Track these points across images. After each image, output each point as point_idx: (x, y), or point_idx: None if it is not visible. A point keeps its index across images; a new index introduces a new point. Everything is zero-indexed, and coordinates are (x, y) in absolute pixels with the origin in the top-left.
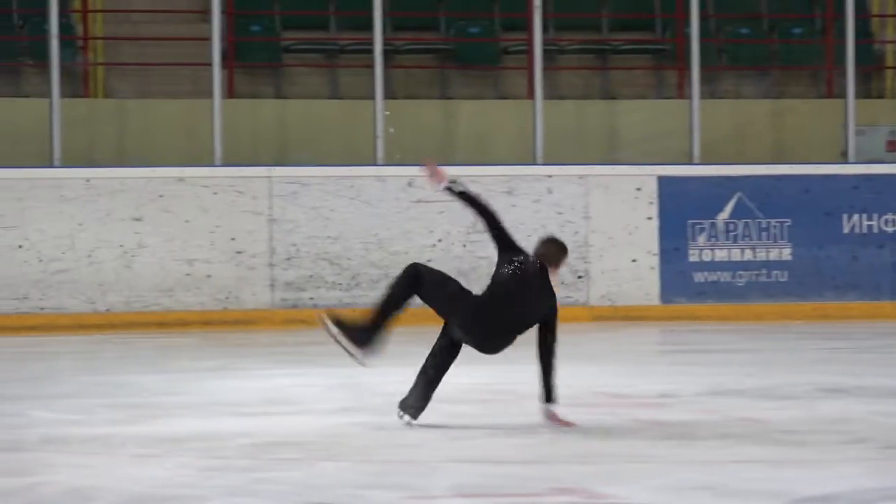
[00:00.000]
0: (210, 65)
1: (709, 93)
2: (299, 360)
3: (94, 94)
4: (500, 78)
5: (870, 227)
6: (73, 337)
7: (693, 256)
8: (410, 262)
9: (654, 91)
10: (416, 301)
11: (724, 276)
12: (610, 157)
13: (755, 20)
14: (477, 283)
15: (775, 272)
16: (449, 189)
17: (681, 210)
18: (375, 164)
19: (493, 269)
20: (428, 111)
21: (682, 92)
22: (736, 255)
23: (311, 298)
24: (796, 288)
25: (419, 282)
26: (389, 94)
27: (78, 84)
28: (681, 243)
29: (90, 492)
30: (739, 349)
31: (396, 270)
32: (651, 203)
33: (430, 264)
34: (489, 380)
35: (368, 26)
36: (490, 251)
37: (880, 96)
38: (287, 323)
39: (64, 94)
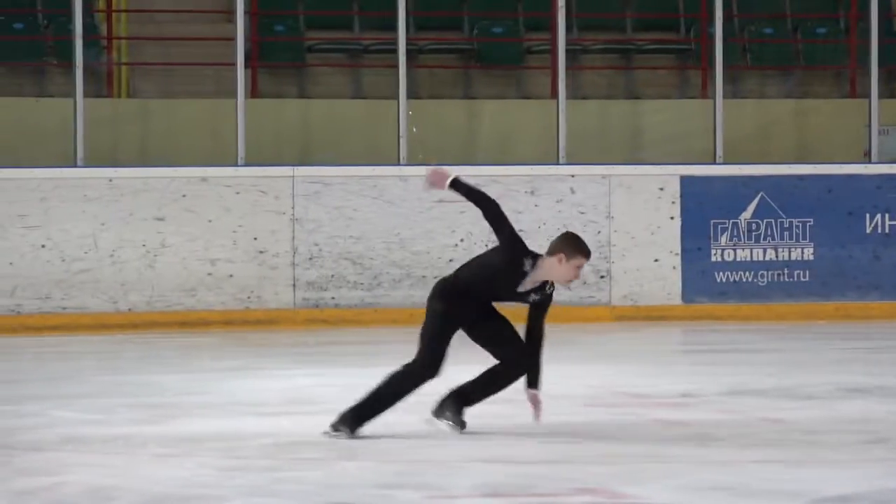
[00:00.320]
0: (234, 65)
1: (732, 93)
2: (321, 360)
3: (118, 94)
4: (524, 78)
5: (893, 226)
6: (95, 337)
7: (715, 256)
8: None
9: (677, 91)
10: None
11: (747, 276)
12: (633, 157)
13: (779, 20)
14: None
15: (797, 272)
16: (454, 187)
17: (703, 210)
18: (398, 164)
19: (493, 256)
20: (451, 111)
21: (705, 92)
22: (758, 254)
23: (333, 298)
24: (818, 288)
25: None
26: (413, 94)
27: (102, 84)
28: (703, 243)
29: (111, 491)
30: (761, 349)
31: (418, 270)
32: (674, 203)
33: (455, 265)
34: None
35: (392, 26)
36: None
37: None
38: (309, 323)
39: (88, 94)
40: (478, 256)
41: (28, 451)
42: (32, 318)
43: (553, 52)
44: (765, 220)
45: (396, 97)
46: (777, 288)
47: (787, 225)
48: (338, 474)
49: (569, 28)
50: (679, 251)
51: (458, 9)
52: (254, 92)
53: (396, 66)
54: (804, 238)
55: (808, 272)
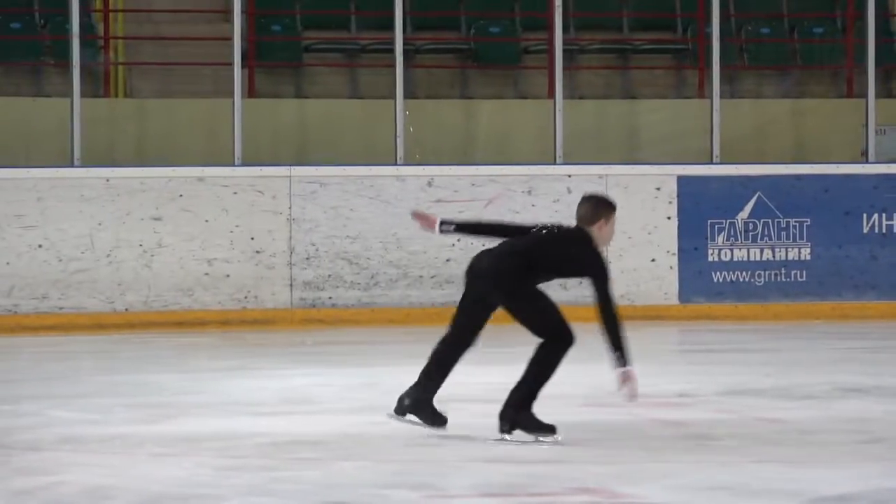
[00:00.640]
0: (231, 64)
1: (729, 92)
2: (317, 359)
3: (115, 93)
4: (521, 77)
5: (889, 226)
6: (91, 337)
7: (712, 256)
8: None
9: (674, 91)
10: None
11: (743, 276)
12: (630, 157)
13: (776, 20)
14: None
15: (794, 272)
16: (443, 230)
17: (700, 209)
18: (395, 164)
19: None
20: (448, 111)
21: (702, 91)
22: (755, 254)
23: (330, 298)
24: (815, 288)
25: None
26: (410, 94)
27: (99, 84)
28: (700, 243)
29: (108, 491)
30: (758, 349)
31: (415, 270)
32: (670, 202)
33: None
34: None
35: (389, 26)
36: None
37: None
38: (305, 322)
39: (85, 94)
40: (537, 236)
41: (25, 451)
42: (29, 318)
43: (550, 51)
44: (762, 220)
45: (393, 97)
46: (774, 288)
47: (784, 225)
48: (335, 474)
49: (566, 28)
50: (676, 251)
51: (455, 8)
52: (251, 92)
53: (393, 66)
54: (801, 238)
55: (805, 272)
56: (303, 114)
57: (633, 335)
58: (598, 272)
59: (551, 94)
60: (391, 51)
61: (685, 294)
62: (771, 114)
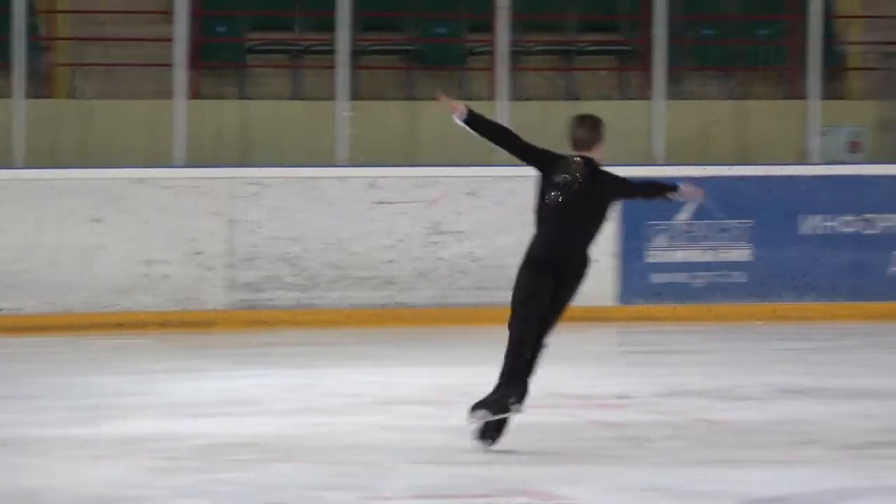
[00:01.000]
0: (174, 65)
1: (673, 93)
2: (257, 361)
3: (59, 94)
4: (466, 79)
5: (829, 227)
6: (31, 338)
7: (652, 258)
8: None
9: (618, 92)
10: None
11: (683, 277)
12: None
13: (720, 21)
14: (436, 284)
15: (735, 273)
16: (467, 122)
17: (640, 211)
18: (337, 166)
19: (537, 198)
20: (392, 112)
21: (645, 93)
22: (695, 255)
23: (270, 299)
24: (756, 289)
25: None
26: (354, 95)
27: (42, 84)
28: (640, 244)
29: (41, 494)
30: (698, 350)
31: (355, 271)
32: None
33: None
34: (452, 381)
35: (333, 27)
36: (450, 252)
37: (844, 97)
38: (245, 324)
39: (28, 95)
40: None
41: None
42: None
43: (494, 53)
44: (703, 222)
45: (336, 98)
46: (715, 289)
47: (725, 226)
48: (272, 475)
49: (511, 29)
50: (616, 252)
51: (399, 10)
52: (195, 93)
53: (337, 67)
54: (742, 239)
55: (745, 273)
56: (246, 115)
57: (573, 337)
58: (619, 183)
59: (496, 96)
60: (335, 52)
61: (626, 295)
62: (714, 115)
